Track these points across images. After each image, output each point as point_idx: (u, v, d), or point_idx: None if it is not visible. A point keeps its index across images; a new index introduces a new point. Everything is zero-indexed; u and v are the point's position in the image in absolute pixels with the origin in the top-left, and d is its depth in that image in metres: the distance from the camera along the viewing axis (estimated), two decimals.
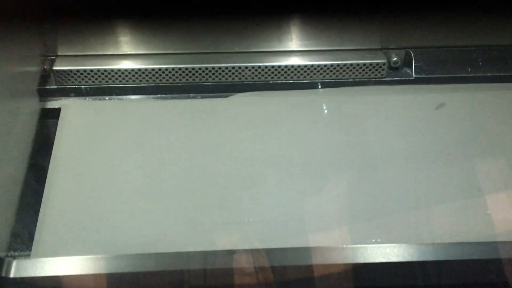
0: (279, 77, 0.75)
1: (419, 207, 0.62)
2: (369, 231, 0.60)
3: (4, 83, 0.62)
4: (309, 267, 0.55)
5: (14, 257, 0.58)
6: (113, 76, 0.73)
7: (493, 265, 0.55)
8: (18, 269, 0.53)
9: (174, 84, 0.75)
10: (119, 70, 0.73)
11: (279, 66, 0.74)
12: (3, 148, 0.60)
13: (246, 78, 0.75)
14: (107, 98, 0.74)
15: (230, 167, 0.66)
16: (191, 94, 0.75)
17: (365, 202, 0.63)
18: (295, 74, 0.75)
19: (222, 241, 0.59)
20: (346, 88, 0.76)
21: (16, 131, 0.64)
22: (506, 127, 0.71)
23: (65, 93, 0.74)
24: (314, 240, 0.60)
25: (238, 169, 0.66)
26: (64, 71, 0.73)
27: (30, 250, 0.57)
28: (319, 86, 0.76)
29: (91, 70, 0.73)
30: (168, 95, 0.75)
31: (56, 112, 0.72)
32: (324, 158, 0.67)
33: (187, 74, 0.74)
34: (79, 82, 0.74)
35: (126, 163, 0.66)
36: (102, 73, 0.73)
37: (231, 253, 0.55)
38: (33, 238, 0.58)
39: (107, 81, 0.74)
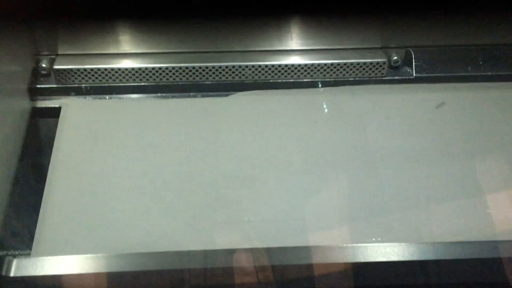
0: (279, 76, 0.75)
1: (419, 206, 0.62)
2: (369, 230, 0.60)
3: None
4: (309, 266, 0.55)
5: (14, 256, 0.58)
6: (113, 75, 0.73)
7: (493, 264, 0.55)
8: (18, 268, 0.53)
9: (174, 83, 0.75)
10: (119, 69, 0.73)
11: (279, 65, 0.74)
12: None
13: (246, 77, 0.75)
14: (107, 97, 0.74)
15: (230, 166, 0.66)
16: (191, 93, 0.75)
17: (365, 201, 0.63)
18: (295, 73, 0.75)
19: (222, 240, 0.59)
20: (347, 87, 0.76)
21: (5, 131, 0.64)
22: (506, 126, 0.71)
23: (65, 92, 0.74)
24: (314, 239, 0.60)
25: (238, 168, 0.66)
26: (64, 70, 0.73)
27: (30, 249, 0.57)
28: (320, 85, 0.76)
29: (91, 69, 0.73)
30: (168, 94, 0.75)
31: (56, 111, 0.72)
32: (324, 157, 0.67)
33: (187, 73, 0.74)
34: (79, 81, 0.74)
35: (126, 162, 0.66)
36: (102, 72, 0.73)
37: (231, 252, 0.55)
38: (33, 236, 0.58)
39: (107, 80, 0.74)
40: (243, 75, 0.75)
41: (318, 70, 0.75)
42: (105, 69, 0.73)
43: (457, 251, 0.55)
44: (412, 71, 0.76)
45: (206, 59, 0.74)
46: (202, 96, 0.75)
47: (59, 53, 0.74)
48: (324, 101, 0.74)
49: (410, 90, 0.75)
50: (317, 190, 0.64)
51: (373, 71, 0.76)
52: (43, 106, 0.73)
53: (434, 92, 0.75)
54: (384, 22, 0.75)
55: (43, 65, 0.73)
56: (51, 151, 0.66)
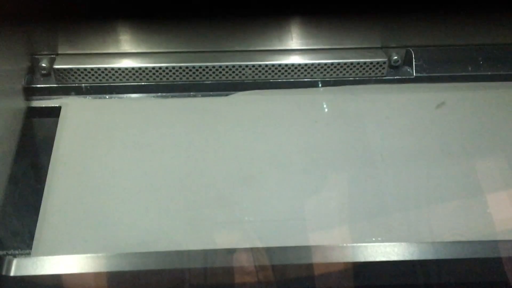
0: (279, 76, 0.75)
1: (419, 206, 0.62)
2: (369, 230, 0.60)
3: None
4: (310, 266, 0.55)
5: (14, 256, 0.58)
6: (113, 74, 0.73)
7: (493, 264, 0.55)
8: (19, 267, 0.53)
9: (175, 82, 0.75)
10: (119, 68, 0.73)
11: (280, 65, 0.74)
12: None
13: (246, 77, 0.75)
14: (107, 97, 0.74)
15: (230, 165, 0.66)
16: (191, 93, 0.75)
17: (365, 200, 0.63)
18: (295, 73, 0.75)
19: (222, 240, 0.59)
20: (347, 86, 0.76)
21: (1, 130, 0.64)
22: (506, 125, 0.71)
23: (65, 91, 0.74)
24: (314, 238, 0.60)
25: (239, 168, 0.66)
26: (64, 69, 0.73)
27: (31, 249, 0.57)
28: (320, 85, 0.76)
29: (92, 69, 0.73)
30: (168, 94, 0.75)
31: (56, 111, 0.72)
32: (324, 156, 0.67)
33: (187, 73, 0.74)
34: (80, 80, 0.74)
35: (126, 161, 0.66)
36: (103, 72, 0.73)
37: (231, 251, 0.55)
38: (33, 236, 0.58)
39: (107, 80, 0.74)
40: (243, 74, 0.75)
41: (318, 70, 0.75)
42: (105, 68, 0.73)
43: (457, 251, 0.55)
44: (412, 70, 0.76)
45: (206, 58, 0.74)
46: (202, 96, 0.75)
47: (59, 52, 0.74)
48: (324, 100, 0.74)
49: (410, 90, 0.75)
50: (317, 190, 0.64)
51: (373, 71, 0.76)
52: (43, 105, 0.73)
53: (434, 92, 0.75)
54: (385, 21, 0.75)
55: (43, 65, 0.73)
56: (51, 151, 0.66)
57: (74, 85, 0.74)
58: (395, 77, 0.76)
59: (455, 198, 0.63)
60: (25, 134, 0.69)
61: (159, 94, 0.75)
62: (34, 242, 0.58)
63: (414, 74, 0.76)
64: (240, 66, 0.74)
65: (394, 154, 0.67)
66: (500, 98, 0.74)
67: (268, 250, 0.56)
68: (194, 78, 0.74)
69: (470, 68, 0.76)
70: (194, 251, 0.56)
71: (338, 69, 0.75)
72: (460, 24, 0.75)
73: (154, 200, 0.62)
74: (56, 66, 0.72)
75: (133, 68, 0.73)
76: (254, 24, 0.74)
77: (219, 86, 0.75)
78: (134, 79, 0.74)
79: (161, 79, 0.74)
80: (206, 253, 0.55)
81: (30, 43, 0.73)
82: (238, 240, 0.59)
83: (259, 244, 0.58)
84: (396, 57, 0.75)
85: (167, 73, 0.74)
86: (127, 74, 0.73)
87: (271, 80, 0.75)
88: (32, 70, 0.74)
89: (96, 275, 0.53)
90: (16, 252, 0.59)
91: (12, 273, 0.53)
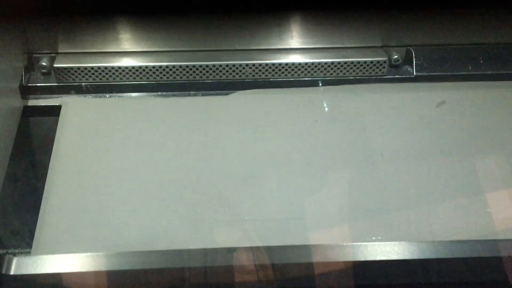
0: (279, 75, 0.75)
1: (420, 205, 0.62)
2: (369, 229, 0.60)
3: None
4: (310, 265, 0.55)
5: (14, 254, 0.58)
6: (113, 73, 0.73)
7: (493, 263, 0.55)
8: (19, 266, 0.53)
9: (175, 81, 0.74)
10: (119, 67, 0.73)
11: (280, 64, 0.74)
12: None
13: (246, 76, 0.75)
14: (107, 96, 0.74)
15: (230, 164, 0.66)
16: (192, 92, 0.75)
17: (365, 200, 0.63)
18: (295, 72, 0.75)
19: (223, 239, 0.59)
20: (347, 86, 0.76)
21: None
22: (506, 125, 0.71)
23: (65, 90, 0.74)
24: (314, 238, 0.60)
25: (239, 167, 0.66)
26: (64, 68, 0.73)
27: (31, 247, 0.57)
28: (320, 84, 0.76)
29: (92, 68, 0.73)
30: (168, 93, 0.75)
31: (56, 110, 0.72)
32: (324, 155, 0.67)
33: (187, 72, 0.74)
34: (80, 79, 0.73)
35: (127, 160, 0.66)
36: (103, 71, 0.73)
37: (231, 250, 0.55)
38: (33, 235, 0.58)
39: (107, 79, 0.74)
40: (244, 73, 0.75)
41: (319, 69, 0.75)
42: (105, 67, 0.73)
43: (457, 250, 0.55)
44: (413, 70, 0.76)
45: (206, 57, 0.74)
46: (203, 95, 0.75)
47: (59, 51, 0.74)
48: (324, 99, 0.74)
49: (411, 89, 0.75)
50: (317, 189, 0.64)
51: (373, 70, 0.76)
52: (43, 104, 0.73)
53: (435, 91, 0.75)
54: (385, 21, 0.75)
55: (43, 64, 0.73)
56: (51, 150, 0.66)
57: (74, 84, 0.74)
58: (396, 76, 0.76)
59: (455, 197, 0.63)
60: (24, 133, 0.69)
61: (159, 93, 0.75)
62: (34, 241, 0.58)
63: (415, 73, 0.76)
64: (240, 65, 0.74)
65: (395, 153, 0.67)
66: (500, 97, 0.74)
67: (268, 249, 0.56)
68: (194, 77, 0.74)
69: (470, 67, 0.76)
70: (194, 250, 0.56)
71: (338, 68, 0.75)
72: (460, 23, 0.75)
73: (154, 199, 0.62)
74: (56, 65, 0.72)
75: (133, 67, 0.73)
76: (254, 23, 0.74)
77: (220, 85, 0.75)
78: (134, 78, 0.74)
79: (161, 78, 0.74)
80: (206, 252, 0.55)
81: (28, 42, 0.73)
82: (238, 239, 0.59)
83: (259, 243, 0.58)
84: (396, 56, 0.75)
85: (167, 72, 0.74)
86: (127, 73, 0.73)
87: (272, 79, 0.75)
88: (32, 68, 0.74)
89: (96, 274, 0.53)
90: (16, 251, 0.59)
91: (12, 272, 0.53)
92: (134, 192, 0.63)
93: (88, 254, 0.54)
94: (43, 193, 0.62)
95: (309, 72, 0.75)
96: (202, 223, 0.60)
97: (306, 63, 0.74)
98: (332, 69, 0.75)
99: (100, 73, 0.73)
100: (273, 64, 0.74)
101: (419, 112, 0.72)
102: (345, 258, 0.55)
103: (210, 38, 0.75)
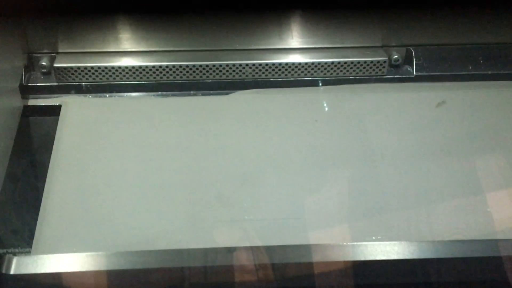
0: (279, 75, 0.75)
1: (420, 205, 0.62)
2: (369, 229, 0.60)
3: None
4: (309, 265, 0.55)
5: (14, 254, 0.58)
6: (113, 73, 0.73)
7: (493, 263, 0.55)
8: (18, 265, 0.53)
9: (175, 81, 0.75)
10: (119, 67, 0.73)
11: (280, 64, 0.74)
12: None
13: (246, 76, 0.75)
14: (107, 95, 0.74)
15: (230, 164, 0.66)
16: (192, 92, 0.75)
17: (365, 199, 0.63)
18: (295, 72, 0.75)
19: (223, 238, 0.59)
20: (347, 85, 0.76)
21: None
22: (506, 125, 0.71)
23: (65, 90, 0.74)
24: (314, 237, 0.60)
25: (239, 167, 0.66)
26: (64, 68, 0.73)
27: (31, 247, 0.57)
28: (320, 84, 0.76)
29: (92, 67, 0.73)
30: (168, 93, 0.75)
31: (56, 109, 0.72)
32: (324, 155, 0.67)
33: (187, 72, 0.74)
34: (80, 79, 0.74)
35: (126, 160, 0.66)
36: (103, 70, 0.73)
37: (231, 250, 0.55)
38: (33, 234, 0.58)
39: (107, 78, 0.74)
40: (244, 73, 0.75)
41: (319, 69, 0.75)
42: (106, 67, 0.73)
43: (457, 250, 0.55)
44: (413, 69, 0.76)
45: (206, 57, 0.74)
46: (203, 95, 0.75)
47: (60, 51, 0.74)
48: (324, 99, 0.74)
49: (411, 89, 0.75)
50: (317, 189, 0.64)
51: (373, 70, 0.76)
52: (43, 104, 0.73)
53: (435, 91, 0.75)
54: (385, 20, 0.75)
55: (44, 63, 0.73)
56: (51, 149, 0.66)
57: (74, 83, 0.74)
58: (396, 76, 0.76)
59: (455, 197, 0.63)
60: (24, 132, 0.69)
61: (159, 93, 0.75)
62: (34, 240, 0.58)
63: (415, 73, 0.76)
64: (240, 65, 0.74)
65: (394, 153, 0.67)
66: (500, 97, 0.74)
67: (268, 249, 0.56)
68: (194, 77, 0.74)
69: (470, 67, 0.76)
70: (194, 249, 0.56)
71: (338, 68, 0.75)
72: (460, 23, 0.75)
73: (154, 199, 0.62)
74: (56, 65, 0.72)
75: (133, 67, 0.73)
76: (254, 22, 0.74)
77: (220, 85, 0.75)
78: (134, 78, 0.74)
79: (161, 77, 0.74)
80: (206, 252, 0.55)
81: (28, 41, 0.73)
82: (238, 238, 0.59)
83: (259, 242, 0.58)
84: (396, 56, 0.75)
85: (167, 72, 0.74)
86: (127, 73, 0.73)
87: (272, 79, 0.75)
88: (32, 68, 0.74)
89: (96, 273, 0.53)
90: (16, 250, 0.59)
91: (12, 272, 0.52)
92: (134, 191, 0.63)
93: (88, 253, 0.54)
94: (43, 192, 0.62)
95: (309, 72, 0.75)
96: (202, 222, 0.60)
97: (306, 63, 0.74)
98: (332, 69, 0.75)
99: (100, 73, 0.73)
100: (273, 64, 0.74)
101: (419, 112, 0.72)
102: (345, 258, 0.55)
103: (210, 38, 0.75)
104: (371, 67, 0.75)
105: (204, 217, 0.61)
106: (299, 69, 0.75)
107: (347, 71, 0.75)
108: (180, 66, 0.74)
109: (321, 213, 0.61)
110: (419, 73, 0.76)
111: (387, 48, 0.77)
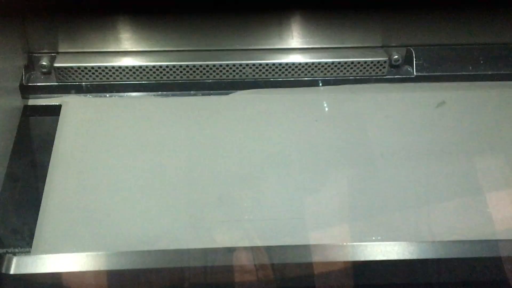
0: (280, 75, 0.75)
1: (420, 205, 0.62)
2: (369, 229, 0.60)
3: None
4: (309, 265, 0.55)
5: (14, 254, 0.58)
6: (113, 73, 0.73)
7: (493, 263, 0.55)
8: (18, 265, 0.53)
9: (175, 81, 0.75)
10: (119, 67, 0.73)
11: (280, 64, 0.74)
12: None
13: (246, 76, 0.75)
14: (107, 95, 0.74)
15: (230, 164, 0.66)
16: (192, 92, 0.75)
17: (365, 200, 0.63)
18: (296, 72, 0.75)
19: (222, 238, 0.59)
20: (347, 86, 0.76)
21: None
22: (506, 125, 0.71)
23: (65, 90, 0.74)
24: (314, 237, 0.60)
25: (239, 167, 0.66)
26: (65, 68, 0.73)
27: (30, 247, 0.57)
28: (320, 84, 0.76)
29: (92, 67, 0.73)
30: (168, 93, 0.75)
31: (56, 109, 0.72)
32: (324, 155, 0.67)
33: (187, 72, 0.74)
34: (80, 79, 0.74)
35: (127, 160, 0.66)
36: (103, 70, 0.73)
37: (231, 250, 0.55)
38: (33, 234, 0.58)
39: (107, 78, 0.74)
40: (244, 73, 0.75)
41: (319, 69, 0.75)
42: (106, 67, 0.73)
43: (457, 250, 0.55)
44: (413, 70, 0.76)
45: (206, 57, 0.74)
46: (203, 95, 0.75)
47: (60, 51, 0.74)
48: (324, 99, 0.74)
49: (411, 89, 0.75)
50: (317, 189, 0.64)
51: (373, 70, 0.76)
52: (44, 103, 0.73)
53: (435, 91, 0.75)
54: (385, 20, 0.75)
55: (44, 63, 0.73)
56: (52, 149, 0.66)
57: (74, 83, 0.74)
58: (396, 76, 0.76)
59: (455, 197, 0.63)
60: (24, 132, 0.69)
61: (160, 92, 0.75)
62: (34, 240, 0.58)
63: (415, 73, 0.76)
64: (240, 65, 0.74)
65: (394, 153, 0.67)
66: (500, 98, 0.74)
67: (268, 249, 0.56)
68: (194, 77, 0.74)
69: (470, 68, 0.76)
70: (194, 249, 0.56)
71: (338, 68, 0.75)
72: (460, 23, 0.75)
73: (154, 199, 0.62)
74: (56, 65, 0.72)
75: (133, 67, 0.73)
76: (254, 22, 0.74)
77: (220, 85, 0.75)
78: (134, 78, 0.74)
79: (161, 77, 0.74)
80: (206, 252, 0.55)
81: (28, 41, 0.73)
82: (238, 238, 0.59)
83: (259, 242, 0.58)
84: (396, 56, 0.75)
85: (167, 72, 0.74)
86: (127, 73, 0.73)
87: (272, 79, 0.75)
88: (32, 68, 0.74)
89: (96, 273, 0.53)
90: (16, 250, 0.59)
91: (12, 271, 0.53)
92: (134, 191, 0.63)
93: (88, 253, 0.54)
94: (43, 192, 0.62)
95: (309, 72, 0.75)
96: (202, 222, 0.60)
97: (306, 63, 0.74)
98: (332, 69, 0.75)
99: (100, 73, 0.73)
100: (273, 64, 0.74)
101: (419, 112, 0.72)
102: (345, 258, 0.55)
103: (210, 37, 0.75)
104: (371, 67, 0.75)
105: (204, 217, 0.61)
106: (299, 69, 0.75)
107: (347, 71, 0.75)
108: (180, 66, 0.74)
109: (321, 213, 0.61)
110: (419, 73, 0.76)
111: (387, 48, 0.77)
